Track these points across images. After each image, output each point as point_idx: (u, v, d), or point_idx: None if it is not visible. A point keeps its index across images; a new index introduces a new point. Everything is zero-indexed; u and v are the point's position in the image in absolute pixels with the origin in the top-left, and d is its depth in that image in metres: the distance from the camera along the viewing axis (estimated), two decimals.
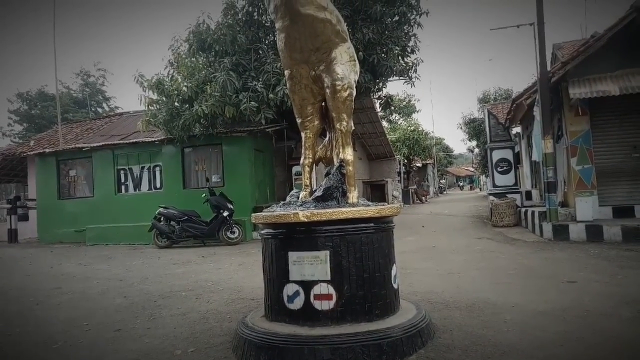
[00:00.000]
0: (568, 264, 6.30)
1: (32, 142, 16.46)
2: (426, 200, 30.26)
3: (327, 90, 4.01)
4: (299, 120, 4.41)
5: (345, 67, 3.97)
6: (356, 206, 3.73)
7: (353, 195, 3.89)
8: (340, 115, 3.99)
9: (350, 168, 3.97)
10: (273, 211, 3.85)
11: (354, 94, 4.08)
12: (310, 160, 4.36)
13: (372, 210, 3.58)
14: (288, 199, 4.31)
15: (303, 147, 4.40)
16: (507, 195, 13.00)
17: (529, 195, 13.70)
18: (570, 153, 9.17)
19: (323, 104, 4.30)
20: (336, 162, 4.15)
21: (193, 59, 11.78)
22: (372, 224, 3.57)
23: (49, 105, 34.09)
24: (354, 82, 4.07)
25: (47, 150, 14.15)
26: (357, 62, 4.15)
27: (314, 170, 4.86)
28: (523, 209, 11.72)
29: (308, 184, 4.30)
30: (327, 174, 4.14)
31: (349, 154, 3.99)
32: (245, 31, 11.15)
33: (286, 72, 4.35)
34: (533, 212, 10.14)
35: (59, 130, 15.34)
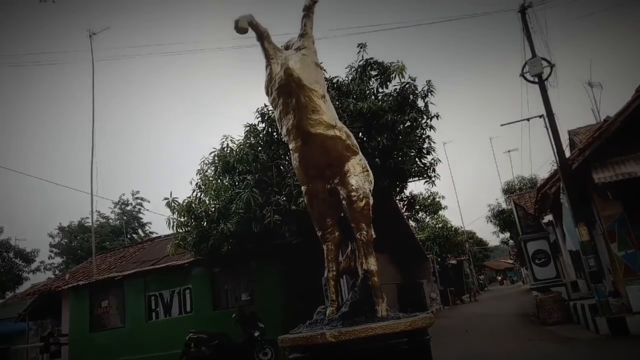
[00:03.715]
0: None
1: (67, 276, 16.81)
2: (475, 299, 28.40)
3: (344, 202, 4.06)
4: (319, 233, 4.41)
5: (359, 178, 4.06)
6: (386, 320, 3.54)
7: (382, 308, 3.72)
8: (359, 225, 3.99)
9: (376, 279, 3.84)
10: (299, 332, 3.68)
11: (371, 203, 4.12)
12: (334, 273, 4.26)
13: (403, 323, 3.39)
14: (315, 316, 4.15)
15: (326, 260, 4.33)
16: (550, 289, 12.21)
17: (575, 286, 12.85)
18: (608, 239, 8.74)
19: (342, 214, 4.33)
20: (360, 273, 4.05)
21: (219, 181, 12.31)
22: (405, 339, 3.34)
23: (89, 237, 35.41)
24: (369, 191, 4.13)
25: (80, 282, 14.37)
26: (370, 172, 4.25)
27: (339, 282, 4.73)
28: (571, 303, 10.90)
29: (334, 298, 4.16)
30: (353, 287, 4.02)
31: (372, 264, 3.90)
32: (266, 150, 11.75)
33: (303, 188, 4.47)
34: (583, 306, 9.40)
35: (93, 262, 15.72)
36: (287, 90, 4.10)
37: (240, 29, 4.05)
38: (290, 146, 4.29)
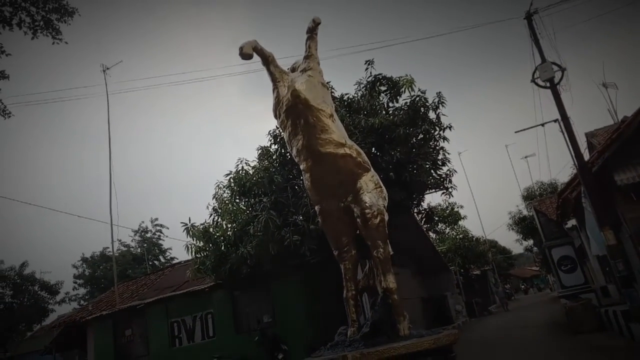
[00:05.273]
0: None
1: (91, 306, 16.95)
2: (507, 309, 27.37)
3: (358, 220, 4.03)
4: (335, 253, 4.37)
5: (372, 194, 4.03)
6: (409, 339, 3.46)
7: (404, 327, 3.64)
8: (376, 242, 3.94)
9: (395, 297, 3.77)
10: (320, 355, 3.63)
11: (386, 219, 4.07)
12: (353, 292, 4.21)
13: (427, 341, 3.31)
14: (336, 337, 4.09)
15: (344, 280, 4.29)
16: (580, 296, 11.84)
17: (605, 291, 12.43)
18: (636, 242, 8.47)
19: (357, 232, 4.29)
20: (380, 292, 3.98)
21: (235, 203, 12.35)
22: (429, 358, 3.26)
23: (111, 266, 35.68)
24: (384, 207, 4.09)
25: (104, 312, 14.48)
26: (383, 188, 4.21)
27: (360, 301, 4.66)
28: (603, 310, 10.53)
29: (355, 318, 4.10)
30: (373, 306, 3.95)
31: (391, 281, 3.84)
32: (281, 171, 11.78)
33: (317, 208, 4.45)
34: (615, 312, 9.07)
35: (115, 291, 15.85)
36: (295, 111, 4.12)
37: (245, 55, 4.10)
38: (301, 167, 4.29)
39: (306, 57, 4.48)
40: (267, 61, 4.36)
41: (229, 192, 12.44)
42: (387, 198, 4.24)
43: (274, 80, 4.38)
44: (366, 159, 4.28)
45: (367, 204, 3.95)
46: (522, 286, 61.48)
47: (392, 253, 4.04)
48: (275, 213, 10.78)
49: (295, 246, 10.31)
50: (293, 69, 4.70)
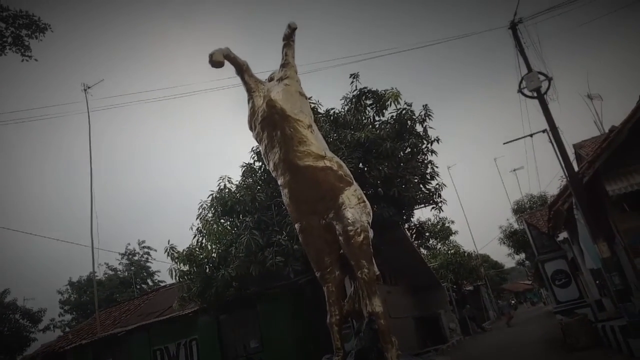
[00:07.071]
0: None
1: (71, 335, 16.23)
2: (509, 325, 26.51)
3: (341, 238, 3.74)
4: (318, 274, 4.07)
5: (355, 210, 3.75)
6: None
7: (391, 355, 3.31)
8: (360, 262, 3.65)
9: (382, 322, 3.45)
10: None
11: (371, 236, 3.79)
12: (337, 317, 3.89)
13: None
14: None
15: (327, 304, 3.97)
16: (575, 311, 11.54)
17: (600, 305, 12.16)
18: (631, 253, 8.25)
19: (341, 251, 3.99)
20: (365, 316, 3.66)
21: (220, 223, 11.95)
22: None
23: (98, 290, 34.58)
24: (368, 224, 3.80)
25: (83, 342, 13.83)
26: (367, 202, 3.93)
27: (351, 323, 4.33)
28: (599, 325, 10.23)
29: (339, 346, 3.77)
30: (358, 333, 3.62)
31: (377, 305, 3.52)
32: (265, 189, 11.46)
33: (297, 226, 4.15)
34: (613, 327, 8.78)
35: (96, 318, 15.21)
36: (270, 122, 3.85)
37: (215, 63, 3.82)
38: (279, 182, 4.00)
39: (283, 66, 4.24)
40: (241, 70, 4.10)
41: (212, 211, 12.06)
42: (371, 213, 3.96)
43: (249, 91, 4.12)
44: (348, 172, 4.00)
45: (349, 220, 3.67)
46: (512, 301, 59.12)
47: (378, 273, 3.74)
48: (259, 233, 10.42)
49: (278, 267, 9.93)
50: (270, 79, 4.45)
